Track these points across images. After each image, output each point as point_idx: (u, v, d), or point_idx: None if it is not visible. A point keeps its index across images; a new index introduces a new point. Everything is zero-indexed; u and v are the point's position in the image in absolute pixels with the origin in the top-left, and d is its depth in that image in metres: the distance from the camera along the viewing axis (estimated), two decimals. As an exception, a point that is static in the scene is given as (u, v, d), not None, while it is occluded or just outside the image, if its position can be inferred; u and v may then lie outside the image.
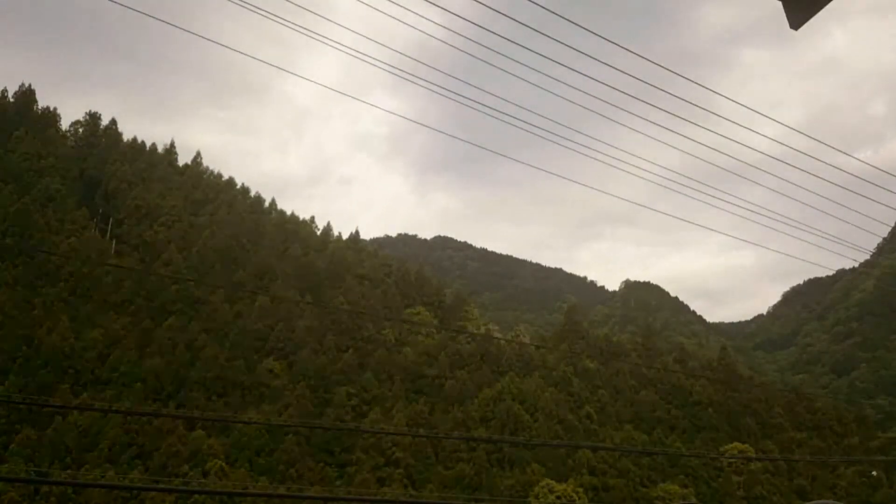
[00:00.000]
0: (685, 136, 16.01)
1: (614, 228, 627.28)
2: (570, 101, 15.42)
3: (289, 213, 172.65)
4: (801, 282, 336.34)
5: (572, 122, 17.19)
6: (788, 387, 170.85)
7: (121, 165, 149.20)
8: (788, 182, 18.01)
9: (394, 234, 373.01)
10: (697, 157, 16.96)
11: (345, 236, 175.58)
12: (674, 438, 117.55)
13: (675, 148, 17.00)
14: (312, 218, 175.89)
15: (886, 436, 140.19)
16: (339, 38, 13.81)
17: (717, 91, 13.01)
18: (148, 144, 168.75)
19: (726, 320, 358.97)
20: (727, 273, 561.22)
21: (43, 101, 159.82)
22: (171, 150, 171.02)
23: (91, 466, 72.19)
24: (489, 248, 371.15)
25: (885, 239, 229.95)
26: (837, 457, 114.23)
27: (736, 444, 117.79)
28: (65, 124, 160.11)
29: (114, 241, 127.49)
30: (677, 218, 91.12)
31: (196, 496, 65.43)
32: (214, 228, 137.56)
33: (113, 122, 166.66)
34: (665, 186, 19.30)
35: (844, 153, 15.31)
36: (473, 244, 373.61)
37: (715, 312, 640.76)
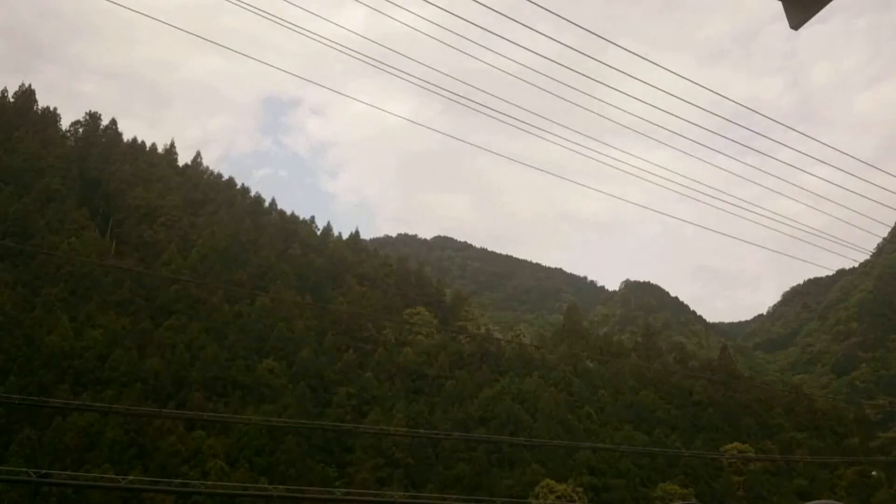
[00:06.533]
0: (682, 136, 16.02)
1: (614, 227, 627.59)
2: (569, 101, 15.44)
3: (289, 213, 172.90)
4: (801, 282, 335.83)
5: (570, 121, 17.21)
6: (788, 387, 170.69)
7: (121, 165, 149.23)
8: (787, 182, 18.03)
9: (394, 234, 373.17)
10: (696, 157, 16.97)
11: (345, 236, 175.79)
12: (674, 438, 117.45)
13: (673, 148, 17.02)
14: (312, 218, 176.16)
15: (886, 436, 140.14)
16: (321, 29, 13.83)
17: (714, 90, 13.02)
18: (148, 144, 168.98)
19: (726, 320, 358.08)
20: (727, 273, 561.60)
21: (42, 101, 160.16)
22: (171, 150, 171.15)
23: (91, 466, 72.16)
24: (489, 248, 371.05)
25: (885, 239, 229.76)
26: (837, 457, 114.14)
27: (736, 444, 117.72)
28: (65, 124, 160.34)
29: (114, 241, 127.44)
30: (677, 218, 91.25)
31: (196, 496, 65.43)
32: (214, 228, 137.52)
33: (113, 122, 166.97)
34: (664, 187, 19.30)
35: (844, 153, 15.32)
36: (473, 244, 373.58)
37: (715, 312, 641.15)
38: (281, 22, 13.31)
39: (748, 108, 14.71)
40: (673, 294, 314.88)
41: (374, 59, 14.50)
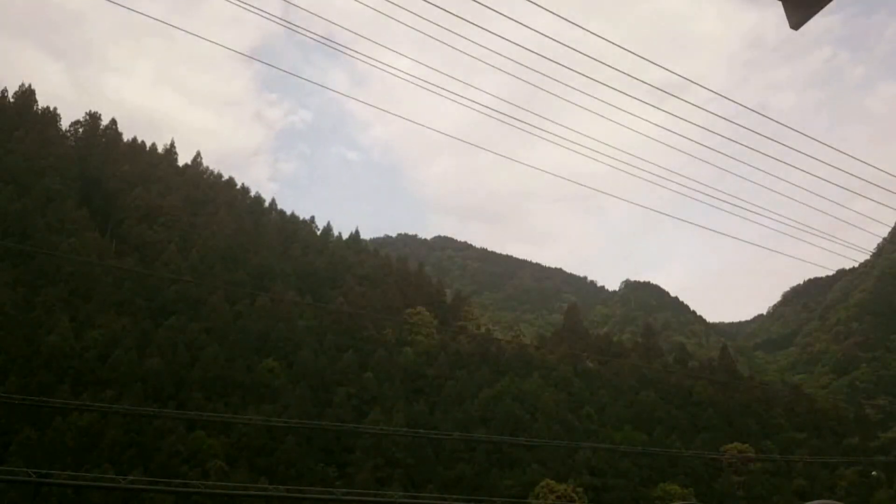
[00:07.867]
0: (684, 137, 16.02)
1: (615, 227, 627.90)
2: (569, 102, 15.45)
3: (289, 213, 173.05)
4: (801, 282, 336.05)
5: (568, 120, 17.21)
6: (788, 387, 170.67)
7: (121, 165, 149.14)
8: (787, 182, 18.03)
9: (394, 234, 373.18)
10: (695, 157, 16.98)
11: (345, 236, 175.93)
12: (674, 438, 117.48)
13: (673, 148, 17.02)
14: (312, 218, 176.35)
15: (886, 436, 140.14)
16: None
17: (708, 87, 13.03)
18: (148, 144, 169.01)
19: (726, 320, 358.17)
20: (728, 273, 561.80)
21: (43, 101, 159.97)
22: (171, 150, 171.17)
23: (91, 466, 72.14)
24: (489, 248, 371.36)
25: (885, 239, 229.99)
26: (837, 457, 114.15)
27: (736, 444, 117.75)
28: (65, 124, 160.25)
29: (114, 241, 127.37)
30: (678, 218, 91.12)
31: (196, 496, 65.37)
32: (214, 228, 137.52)
33: (113, 122, 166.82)
34: (666, 187, 19.30)
35: (843, 153, 15.31)
36: (473, 244, 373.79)
37: (715, 312, 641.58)
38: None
39: (749, 108, 14.72)
40: (673, 294, 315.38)
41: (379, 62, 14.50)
